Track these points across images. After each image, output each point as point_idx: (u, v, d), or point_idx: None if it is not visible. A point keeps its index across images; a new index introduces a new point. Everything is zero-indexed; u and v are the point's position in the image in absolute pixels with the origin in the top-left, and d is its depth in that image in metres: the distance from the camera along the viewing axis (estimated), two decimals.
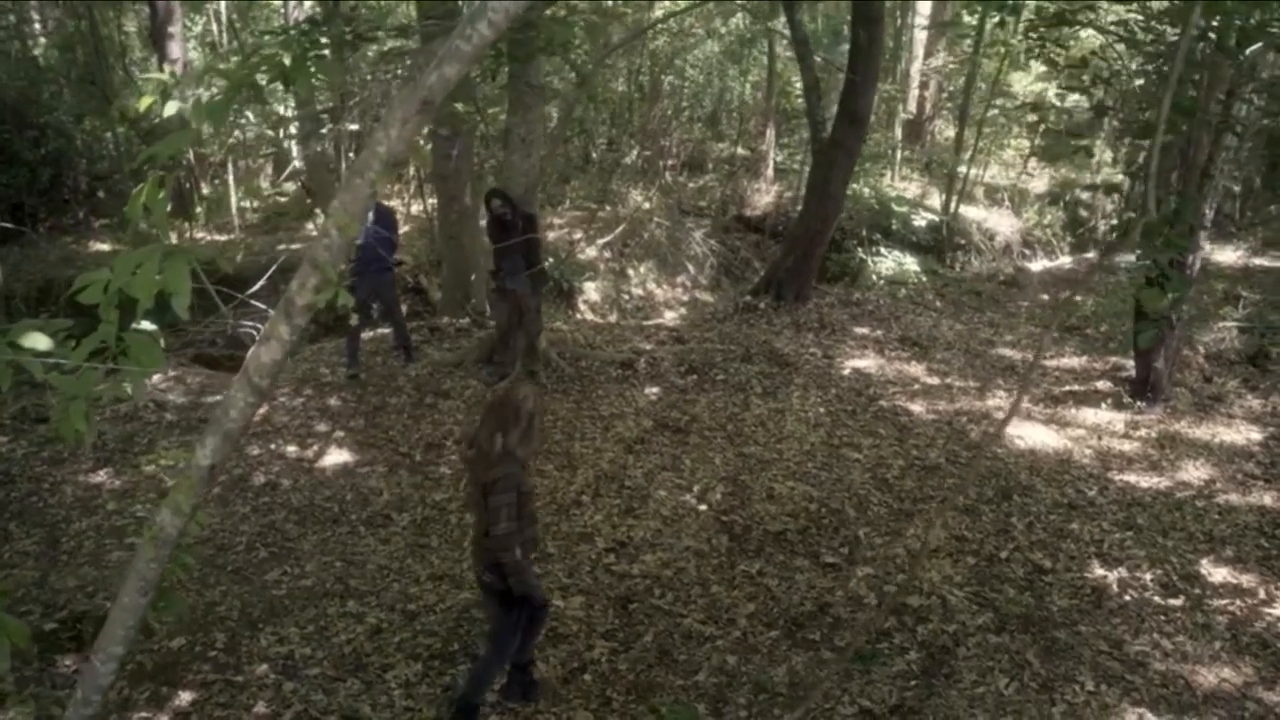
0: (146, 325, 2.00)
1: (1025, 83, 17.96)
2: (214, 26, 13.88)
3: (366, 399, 7.92)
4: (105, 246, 12.33)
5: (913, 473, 6.67)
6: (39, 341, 1.94)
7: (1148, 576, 5.40)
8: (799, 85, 18.21)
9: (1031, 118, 18.36)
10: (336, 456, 6.99)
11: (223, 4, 12.85)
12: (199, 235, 12.88)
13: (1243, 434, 7.38)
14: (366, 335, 9.10)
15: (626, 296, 13.37)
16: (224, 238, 13.14)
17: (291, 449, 7.05)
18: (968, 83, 15.25)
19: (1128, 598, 5.19)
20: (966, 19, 18.53)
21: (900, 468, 6.74)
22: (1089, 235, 15.77)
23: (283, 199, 15.23)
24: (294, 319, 1.94)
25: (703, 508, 6.17)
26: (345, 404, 7.83)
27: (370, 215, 8.06)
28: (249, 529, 5.93)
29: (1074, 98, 18.47)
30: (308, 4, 11.96)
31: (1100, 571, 5.45)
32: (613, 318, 12.35)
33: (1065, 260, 13.84)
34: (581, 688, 4.41)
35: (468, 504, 4.29)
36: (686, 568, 5.46)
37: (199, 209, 12.96)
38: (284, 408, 7.77)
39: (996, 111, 16.67)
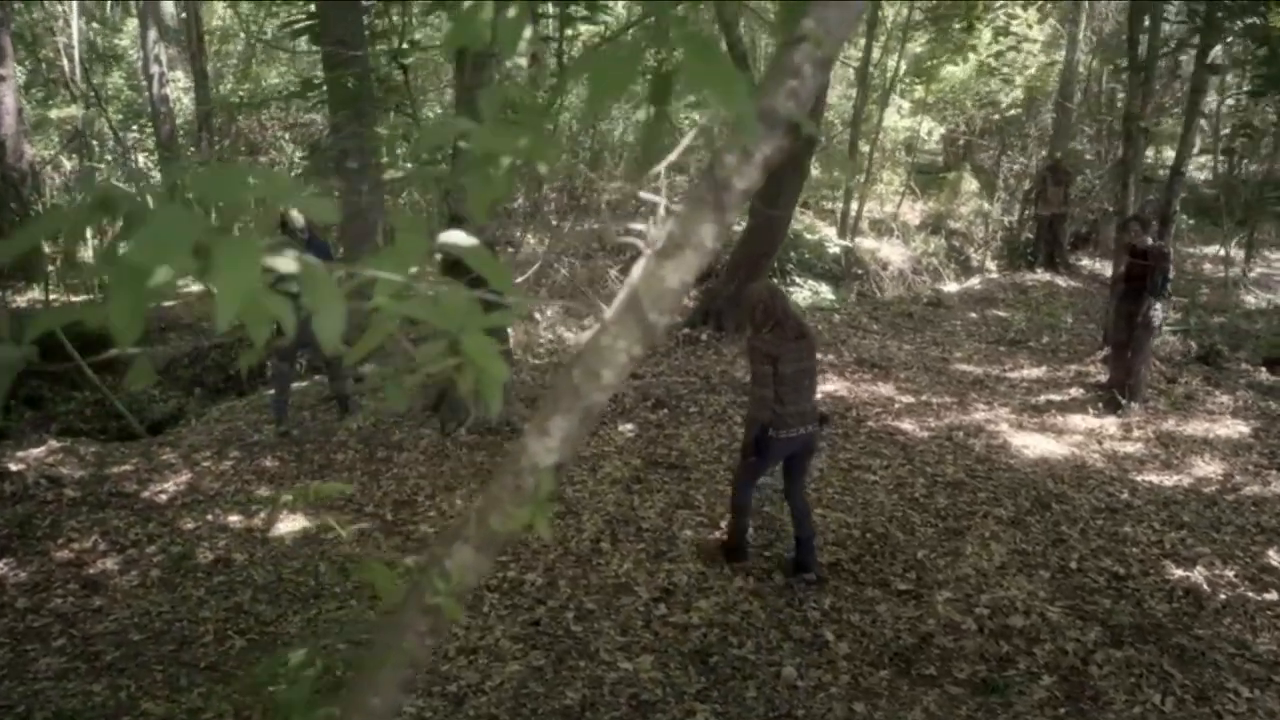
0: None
1: (893, 119, 18.60)
2: (63, 62, 12.35)
3: (307, 458, 6.88)
4: None
5: (940, 490, 6.24)
6: (284, 264, 1.11)
7: (1229, 573, 5.12)
8: (689, 120, 18.19)
9: (904, 154, 19.16)
10: (291, 523, 5.95)
11: (76, 39, 11.44)
12: (53, 297, 11.26)
13: (1232, 428, 7.37)
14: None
15: (539, 342, 12.71)
16: (82, 298, 11.57)
17: (234, 519, 5.97)
18: (855, 116, 15.49)
19: (1223, 596, 4.88)
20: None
21: (924, 486, 6.30)
22: (970, 261, 16.27)
23: None
24: (726, 210, 1.22)
25: None
26: (284, 465, 6.77)
27: (304, 228, 7.08)
28: (211, 615, 4.86)
29: (941, 132, 19.38)
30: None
31: (1180, 572, 5.13)
32: (532, 361, 11.63)
33: (974, 281, 14.07)
34: None
35: (766, 386, 4.72)
36: (752, 610, 4.79)
37: (51, 266, 11.33)
38: (210, 472, 6.65)
39: (874, 148, 17.07)
